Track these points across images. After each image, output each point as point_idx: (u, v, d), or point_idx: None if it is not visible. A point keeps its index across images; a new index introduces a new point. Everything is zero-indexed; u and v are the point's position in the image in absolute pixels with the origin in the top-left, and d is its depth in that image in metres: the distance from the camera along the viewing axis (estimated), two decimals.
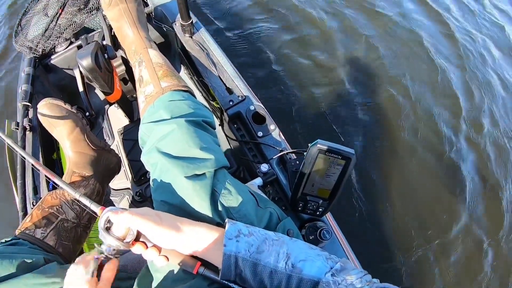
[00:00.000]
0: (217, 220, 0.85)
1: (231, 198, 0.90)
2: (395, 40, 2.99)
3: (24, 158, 1.39)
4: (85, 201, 0.82)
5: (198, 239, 0.75)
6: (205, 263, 0.77)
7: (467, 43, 3.09)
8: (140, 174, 1.77)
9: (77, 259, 0.74)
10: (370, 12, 3.15)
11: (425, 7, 3.29)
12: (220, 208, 0.87)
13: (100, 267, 0.74)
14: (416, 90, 2.66)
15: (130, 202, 1.76)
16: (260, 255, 0.72)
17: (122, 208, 0.74)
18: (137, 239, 0.75)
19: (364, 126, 2.42)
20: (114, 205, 1.71)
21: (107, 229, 0.73)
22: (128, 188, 1.82)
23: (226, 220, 0.79)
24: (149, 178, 1.70)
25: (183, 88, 1.12)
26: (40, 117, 1.26)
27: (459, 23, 3.24)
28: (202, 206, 0.85)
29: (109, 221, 0.73)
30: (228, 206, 0.88)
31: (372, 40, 2.94)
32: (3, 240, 1.05)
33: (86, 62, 1.39)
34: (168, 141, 0.95)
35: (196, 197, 0.85)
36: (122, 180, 1.82)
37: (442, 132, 2.47)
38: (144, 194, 1.72)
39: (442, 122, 2.51)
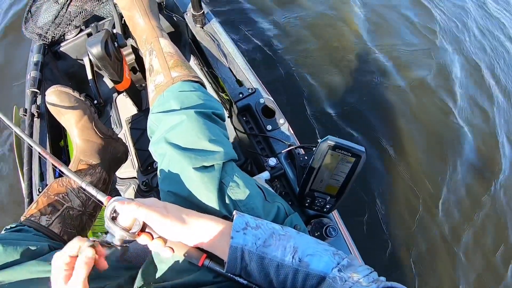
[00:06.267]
0: (224, 212, 0.84)
1: (238, 191, 0.89)
2: (414, 34, 2.97)
3: (31, 146, 1.39)
4: (91, 190, 0.82)
5: (205, 231, 0.74)
6: (211, 256, 0.76)
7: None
8: (147, 164, 1.77)
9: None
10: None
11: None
12: (227, 200, 0.87)
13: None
14: (434, 88, 2.64)
15: (136, 191, 1.76)
16: (267, 249, 0.71)
17: (129, 199, 0.73)
18: (143, 229, 0.74)
19: (376, 124, 2.40)
20: (120, 194, 1.72)
21: (113, 219, 0.73)
22: (135, 178, 1.82)
23: (234, 212, 0.78)
24: (156, 168, 1.70)
25: (193, 79, 1.11)
26: (48, 105, 1.26)
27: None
28: (210, 198, 0.84)
29: (115, 211, 0.73)
30: (236, 199, 0.88)
31: (389, 34, 2.93)
32: (8, 226, 1.05)
33: (96, 50, 1.38)
34: (177, 132, 0.95)
35: (204, 189, 0.85)
36: (128, 169, 1.82)
37: (455, 134, 2.46)
38: (150, 184, 1.72)
39: (458, 125, 2.49)
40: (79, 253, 0.67)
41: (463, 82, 2.73)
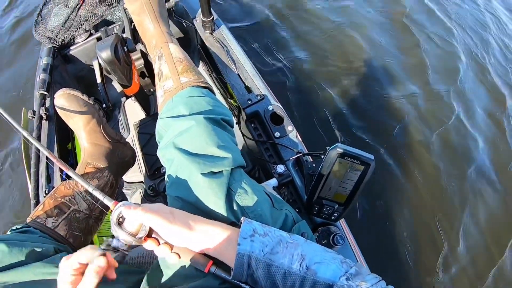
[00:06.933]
0: (232, 219, 0.84)
1: (246, 197, 0.89)
2: (430, 42, 2.97)
3: (39, 151, 1.39)
4: (98, 195, 0.82)
5: (212, 238, 0.74)
6: (217, 262, 0.76)
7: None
8: (154, 169, 1.78)
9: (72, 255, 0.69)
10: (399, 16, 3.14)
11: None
12: (235, 207, 0.87)
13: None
14: (449, 98, 2.62)
15: (142, 195, 1.77)
16: (274, 256, 0.71)
17: (135, 204, 0.73)
18: (149, 235, 0.74)
19: (385, 133, 2.39)
20: (126, 198, 1.72)
21: (119, 224, 0.72)
22: (141, 182, 1.82)
23: (242, 218, 0.78)
24: (163, 173, 1.70)
25: (202, 84, 1.11)
26: (57, 107, 1.27)
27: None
28: (217, 204, 0.84)
29: (121, 216, 0.72)
30: (243, 205, 0.88)
31: (401, 42, 2.93)
32: (14, 227, 1.05)
33: (106, 54, 1.38)
34: (186, 138, 0.95)
35: (212, 195, 0.85)
36: (135, 174, 1.82)
37: (470, 148, 2.43)
38: (157, 189, 1.72)
39: (473, 139, 2.47)
40: (90, 262, 0.66)
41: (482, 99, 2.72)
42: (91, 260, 0.66)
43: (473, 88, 2.73)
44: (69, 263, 0.67)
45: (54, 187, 1.34)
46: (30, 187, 1.37)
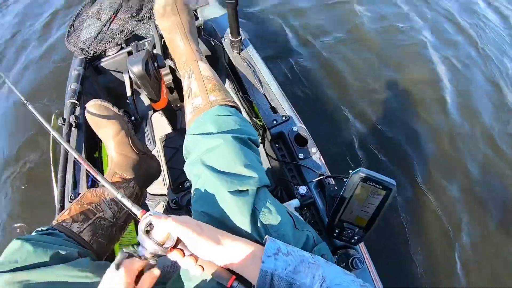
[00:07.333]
0: (255, 237, 0.85)
1: (270, 217, 0.90)
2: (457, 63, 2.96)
3: (67, 156, 1.43)
4: (127, 203, 0.84)
5: (237, 253, 0.75)
6: (239, 278, 0.77)
7: None
8: (178, 183, 1.80)
9: (121, 262, 0.74)
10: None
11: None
12: (259, 225, 0.88)
13: (138, 275, 0.75)
14: (477, 125, 2.58)
15: (165, 208, 1.79)
16: (296, 275, 0.71)
17: (163, 214, 0.75)
18: (175, 245, 0.75)
19: (410, 158, 2.37)
20: (149, 209, 1.74)
21: (147, 232, 0.74)
22: (165, 195, 1.84)
23: (266, 237, 0.79)
24: (187, 188, 1.73)
25: (230, 104, 1.14)
26: (88, 116, 1.31)
27: None
28: (243, 221, 0.85)
29: (149, 225, 0.74)
30: (267, 224, 0.89)
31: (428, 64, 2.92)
32: (39, 229, 1.08)
33: (137, 68, 1.42)
34: (214, 155, 0.97)
35: (238, 213, 0.86)
36: (159, 186, 1.84)
37: (498, 176, 2.37)
38: (180, 203, 1.74)
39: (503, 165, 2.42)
40: (145, 270, 0.76)
41: None
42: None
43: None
44: (130, 270, 0.73)
45: (79, 193, 1.37)
46: (56, 191, 1.40)
